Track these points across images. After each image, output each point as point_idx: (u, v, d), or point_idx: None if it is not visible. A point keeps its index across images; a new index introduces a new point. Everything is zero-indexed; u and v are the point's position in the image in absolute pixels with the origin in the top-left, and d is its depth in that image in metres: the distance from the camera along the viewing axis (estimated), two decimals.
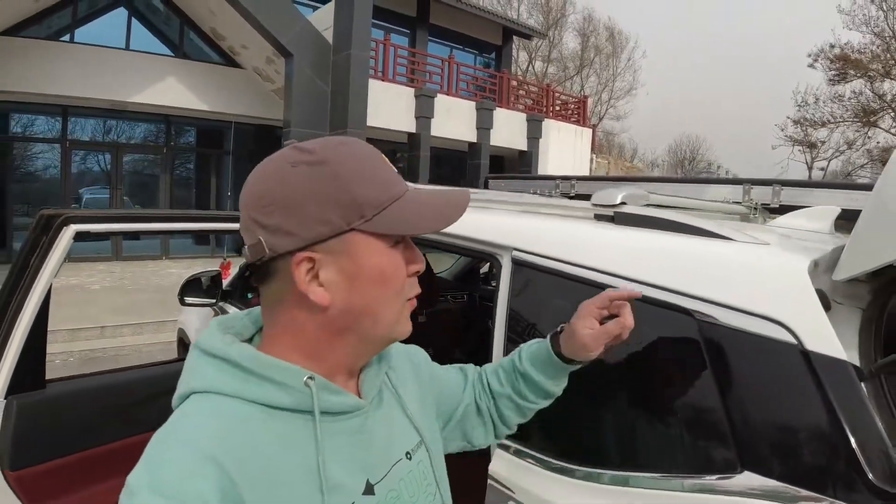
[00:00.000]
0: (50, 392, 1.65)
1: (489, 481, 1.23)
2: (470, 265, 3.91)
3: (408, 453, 0.78)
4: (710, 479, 0.95)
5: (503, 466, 1.23)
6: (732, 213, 1.80)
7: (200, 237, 13.53)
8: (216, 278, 2.88)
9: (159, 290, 8.73)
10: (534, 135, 15.04)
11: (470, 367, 1.06)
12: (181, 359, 2.22)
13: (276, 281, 0.68)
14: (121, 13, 11.92)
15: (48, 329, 1.61)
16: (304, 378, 0.66)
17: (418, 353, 0.96)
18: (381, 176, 0.68)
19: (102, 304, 7.65)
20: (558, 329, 0.97)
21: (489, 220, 1.50)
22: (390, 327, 0.71)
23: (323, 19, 10.62)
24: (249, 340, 0.74)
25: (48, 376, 1.64)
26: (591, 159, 18.36)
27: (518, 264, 1.34)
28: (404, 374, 0.87)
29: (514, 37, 18.12)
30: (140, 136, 12.98)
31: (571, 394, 1.09)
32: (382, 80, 11.84)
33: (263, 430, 0.64)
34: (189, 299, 2.82)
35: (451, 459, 0.91)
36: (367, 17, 10.13)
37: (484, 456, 1.27)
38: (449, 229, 1.48)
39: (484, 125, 13.59)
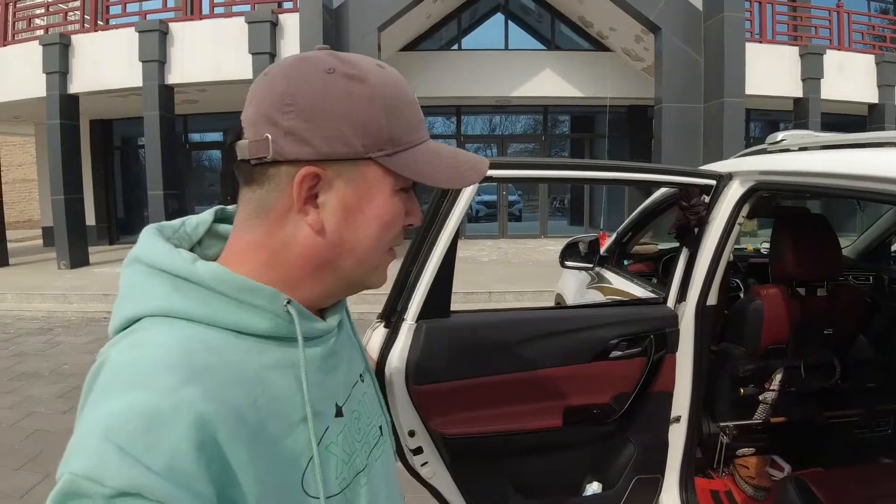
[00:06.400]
0: (453, 321, 1.82)
1: None
2: (878, 242, 3.35)
3: (361, 375, 0.77)
4: None
5: None
6: None
7: (576, 218, 14.40)
8: (594, 243, 3.09)
9: (538, 264, 9.66)
10: None
11: None
12: (580, 306, 2.23)
13: (269, 189, 0.60)
14: (498, 18, 13.63)
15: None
16: (284, 303, 0.61)
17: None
18: (411, 115, 0.64)
19: (490, 274, 8.83)
20: None
21: None
22: (369, 273, 0.68)
23: None
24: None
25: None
26: None
27: None
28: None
29: None
30: (521, 127, 14.38)
31: None
32: (760, 42, 10.69)
33: (241, 360, 0.57)
34: (569, 262, 3.11)
35: None
36: None
37: None
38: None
39: (888, 82, 11.05)
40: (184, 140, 13.39)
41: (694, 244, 2.01)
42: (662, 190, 2.65)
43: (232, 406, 0.53)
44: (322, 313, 0.70)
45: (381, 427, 0.78)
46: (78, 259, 9.97)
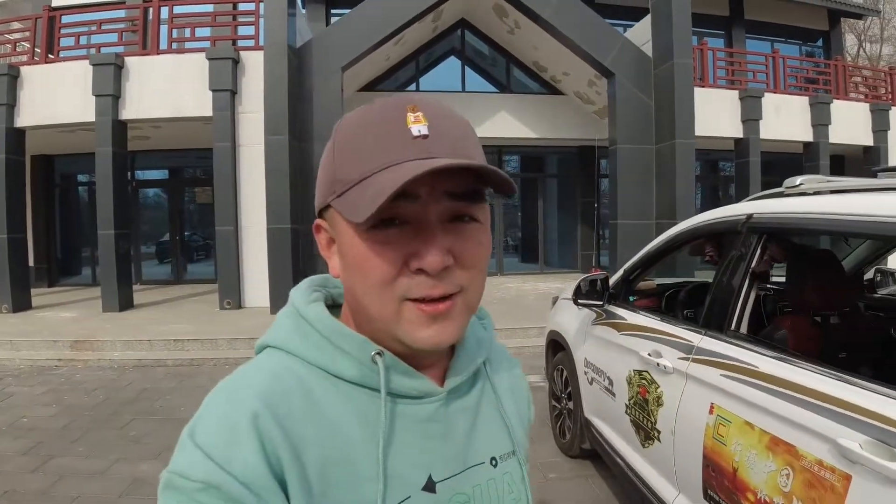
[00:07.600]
0: None
1: None
2: (852, 273, 3.55)
3: (493, 459, 0.68)
4: None
5: None
6: None
7: (528, 255, 14.68)
8: (604, 282, 3.18)
9: (502, 301, 9.73)
10: (880, 127, 12.64)
11: None
12: None
13: None
14: (454, 61, 13.94)
15: None
16: (372, 353, 0.61)
17: (521, 374, 0.84)
18: (371, 147, 0.57)
19: None
20: None
21: None
22: (385, 324, 0.59)
23: (640, 34, 10.73)
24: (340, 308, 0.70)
25: None
26: None
27: None
28: (502, 376, 0.77)
29: (842, 18, 15.85)
30: None
31: None
32: (702, 87, 11.35)
33: (324, 400, 0.59)
34: (582, 300, 3.19)
35: None
36: (686, 23, 9.95)
37: None
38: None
39: (821, 121, 11.92)
40: (130, 177, 12.95)
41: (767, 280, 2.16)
42: (680, 226, 2.77)
43: (292, 437, 0.55)
44: (446, 373, 0.67)
45: None
46: (20, 302, 9.37)
